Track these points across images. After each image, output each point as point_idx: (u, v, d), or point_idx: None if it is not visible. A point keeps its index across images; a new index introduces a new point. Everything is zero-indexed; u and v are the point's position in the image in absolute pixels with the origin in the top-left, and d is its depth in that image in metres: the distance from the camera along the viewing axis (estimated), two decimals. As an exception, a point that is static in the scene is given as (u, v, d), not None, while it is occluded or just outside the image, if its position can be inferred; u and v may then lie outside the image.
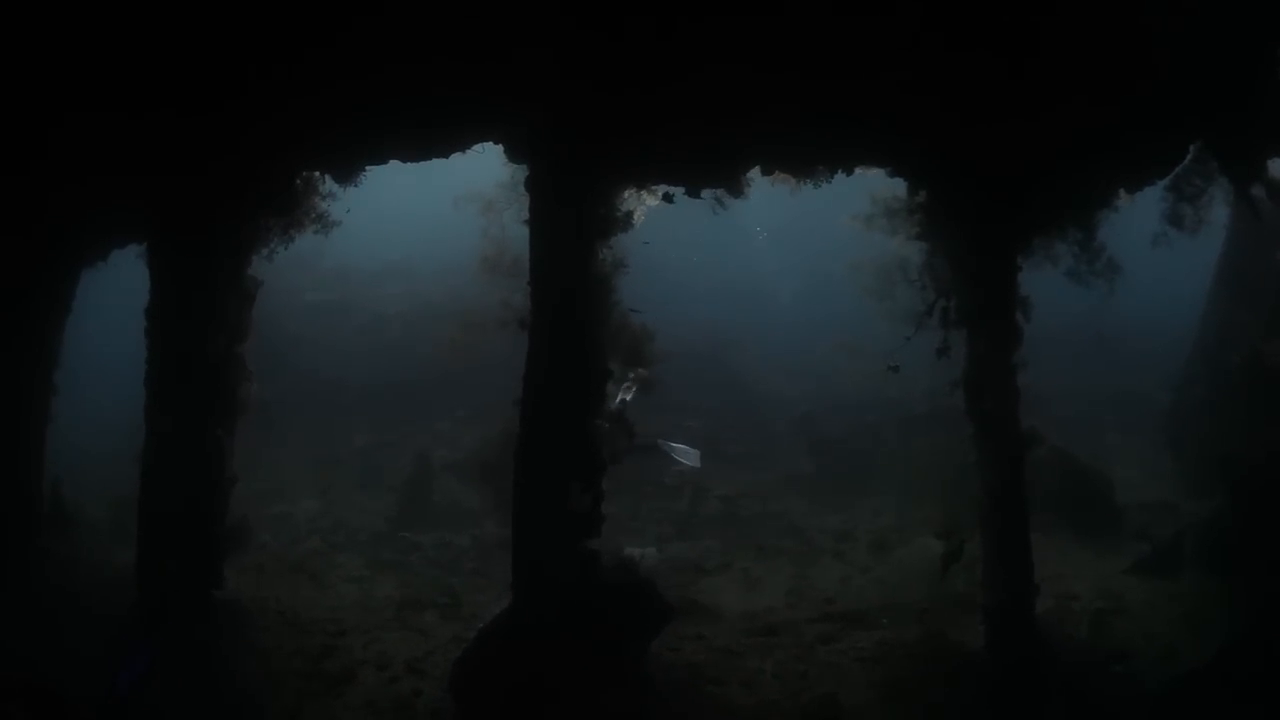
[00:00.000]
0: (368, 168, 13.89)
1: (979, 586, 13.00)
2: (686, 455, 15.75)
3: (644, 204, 13.54)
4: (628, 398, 14.42)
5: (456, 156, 13.83)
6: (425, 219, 38.25)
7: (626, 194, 13.32)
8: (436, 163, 14.10)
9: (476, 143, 13.36)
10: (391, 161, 13.76)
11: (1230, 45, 11.39)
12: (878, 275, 14.41)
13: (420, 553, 21.08)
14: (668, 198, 13.54)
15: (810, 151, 13.22)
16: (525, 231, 13.08)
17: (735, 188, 13.44)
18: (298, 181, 14.07)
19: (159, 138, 12.46)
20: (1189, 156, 13.32)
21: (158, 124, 12.25)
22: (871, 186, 14.31)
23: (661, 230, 13.90)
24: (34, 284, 14.73)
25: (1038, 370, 12.86)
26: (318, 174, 14.17)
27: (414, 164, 13.88)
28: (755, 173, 13.49)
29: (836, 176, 13.63)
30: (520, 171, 13.47)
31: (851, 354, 16.96)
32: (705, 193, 13.63)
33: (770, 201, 14.14)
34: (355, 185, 14.05)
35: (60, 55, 11.18)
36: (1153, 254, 14.86)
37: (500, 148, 13.51)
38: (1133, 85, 11.57)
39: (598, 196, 12.91)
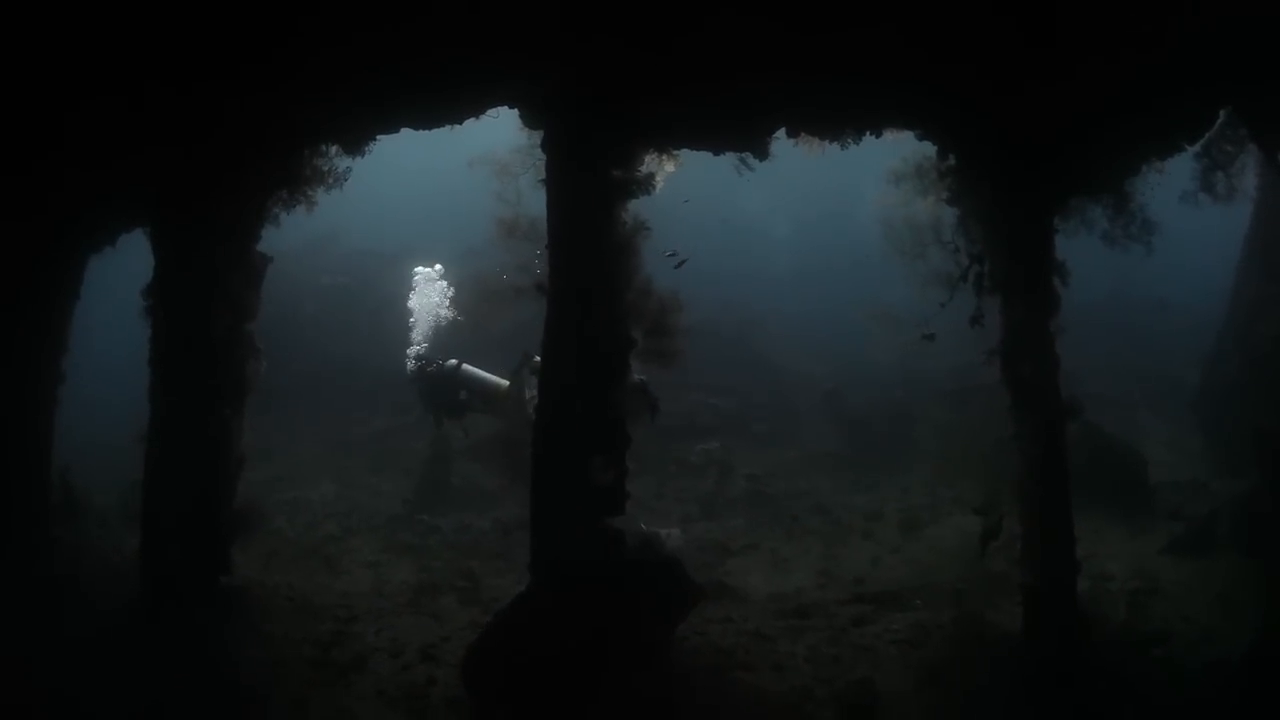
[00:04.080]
0: (378, 137, 13.32)
1: (1015, 565, 12.51)
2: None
3: (664, 169, 13.06)
4: None
5: (474, 137, 13.51)
6: (442, 199, 38.05)
7: (647, 157, 12.82)
8: (454, 143, 13.81)
9: (491, 106, 12.77)
10: (403, 130, 13.13)
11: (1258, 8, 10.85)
12: (911, 235, 14.08)
13: (438, 536, 20.74)
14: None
15: (838, 113, 12.69)
16: (542, 196, 12.63)
17: (760, 150, 12.92)
18: (305, 151, 13.54)
19: (157, 108, 12.00)
20: (1219, 121, 12.81)
21: (156, 94, 11.79)
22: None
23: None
24: (41, 268, 14.41)
25: (1068, 347, 12.42)
26: (324, 144, 13.57)
27: (429, 137, 13.46)
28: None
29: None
30: (537, 138, 12.93)
31: (880, 321, 16.62)
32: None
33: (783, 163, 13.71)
34: (363, 155, 13.51)
35: (57, 23, 10.81)
36: (1180, 231, 14.51)
37: (516, 117, 13.01)
38: (1158, 48, 11.07)
39: (617, 156, 12.39)
